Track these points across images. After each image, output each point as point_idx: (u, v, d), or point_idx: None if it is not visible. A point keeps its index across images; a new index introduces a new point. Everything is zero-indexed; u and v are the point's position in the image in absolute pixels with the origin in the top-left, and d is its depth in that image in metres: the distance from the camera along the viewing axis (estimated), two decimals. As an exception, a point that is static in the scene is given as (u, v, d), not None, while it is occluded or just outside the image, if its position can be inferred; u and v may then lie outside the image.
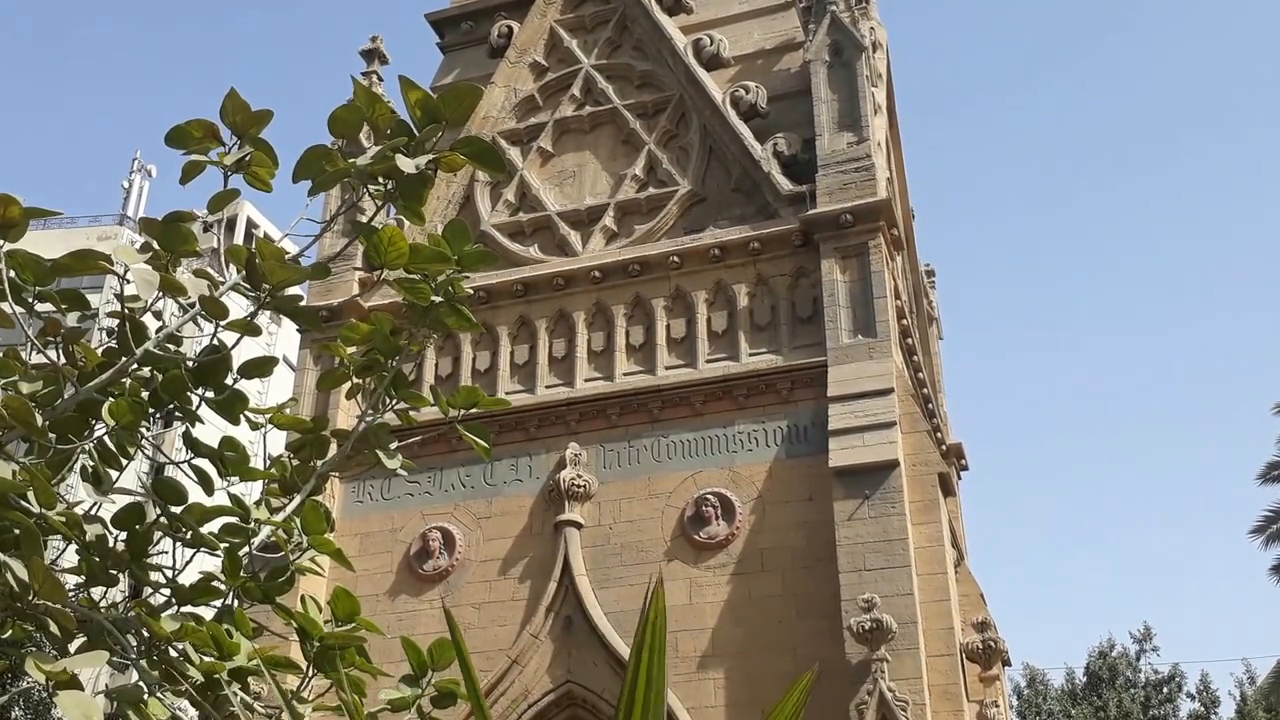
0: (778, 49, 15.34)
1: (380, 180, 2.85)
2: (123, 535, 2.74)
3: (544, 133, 15.54)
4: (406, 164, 2.77)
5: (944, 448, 16.44)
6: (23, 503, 2.43)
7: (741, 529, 12.37)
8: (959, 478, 17.62)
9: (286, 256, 2.85)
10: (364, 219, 3.00)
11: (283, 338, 39.76)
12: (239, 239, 45.75)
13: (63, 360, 2.76)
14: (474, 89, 2.97)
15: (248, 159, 2.66)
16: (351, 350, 3.22)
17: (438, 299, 3.03)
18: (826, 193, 13.39)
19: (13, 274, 2.64)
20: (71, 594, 2.57)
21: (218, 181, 2.78)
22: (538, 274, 14.36)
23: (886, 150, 15.07)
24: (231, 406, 2.84)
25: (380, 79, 16.41)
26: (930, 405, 16.45)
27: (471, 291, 3.41)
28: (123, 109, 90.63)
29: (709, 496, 12.56)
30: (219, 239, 3.30)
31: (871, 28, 14.75)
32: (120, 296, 2.70)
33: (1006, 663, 13.02)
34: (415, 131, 2.73)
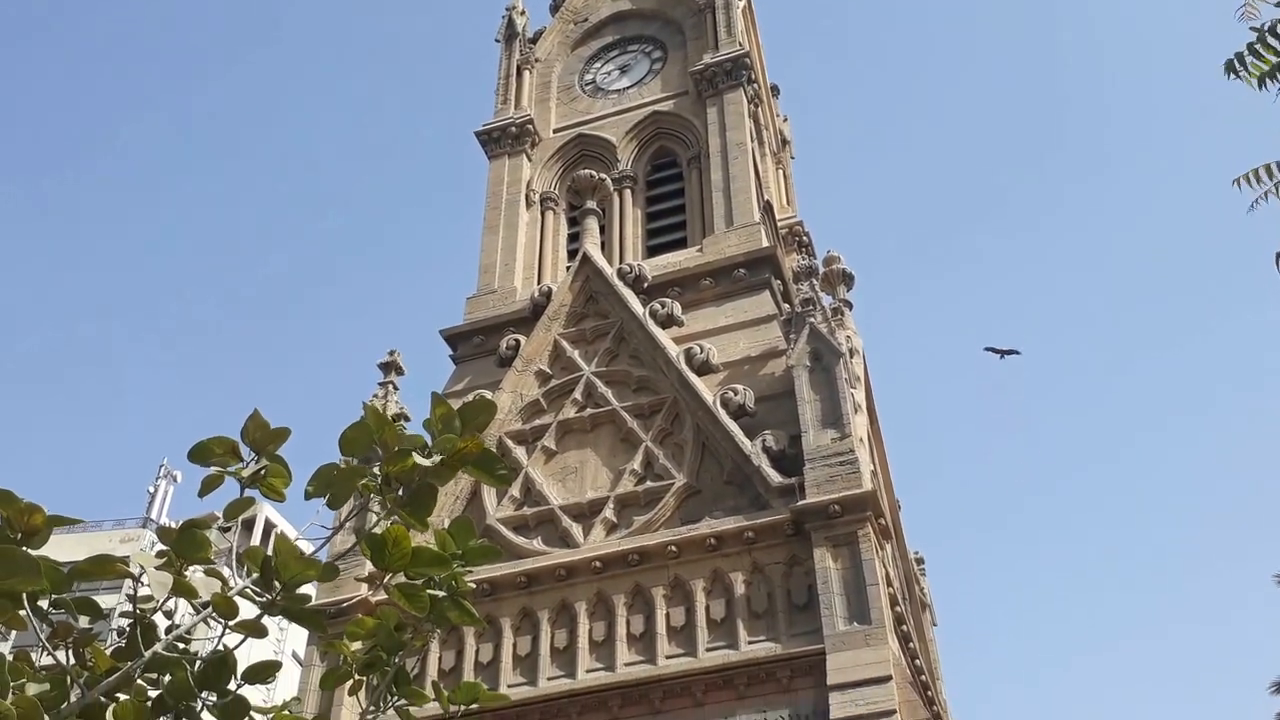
0: (762, 356, 15.87)
1: (392, 483, 2.87)
2: None
3: (548, 433, 15.79)
4: (423, 461, 2.82)
5: (945, 736, 15.55)
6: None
7: (746, 828, 11.46)
8: (963, 768, 16.56)
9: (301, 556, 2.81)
10: (372, 521, 3.00)
11: (294, 632, 38.56)
12: (257, 537, 45.39)
13: (72, 662, 2.67)
14: (489, 404, 3.05)
15: (263, 472, 2.70)
16: (356, 647, 3.13)
17: (441, 593, 2.97)
18: (814, 485, 13.43)
19: (32, 579, 2.58)
20: None
21: (239, 489, 2.80)
22: (540, 565, 14.14)
23: (869, 446, 15.24)
24: (233, 713, 2.71)
25: (396, 388, 17.10)
26: (929, 693, 15.72)
27: (474, 586, 3.34)
28: (152, 416, 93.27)
29: (713, 793, 11.74)
30: (235, 540, 3.28)
31: (848, 335, 15.34)
32: (134, 598, 2.65)
33: None
34: (429, 441, 2.79)
